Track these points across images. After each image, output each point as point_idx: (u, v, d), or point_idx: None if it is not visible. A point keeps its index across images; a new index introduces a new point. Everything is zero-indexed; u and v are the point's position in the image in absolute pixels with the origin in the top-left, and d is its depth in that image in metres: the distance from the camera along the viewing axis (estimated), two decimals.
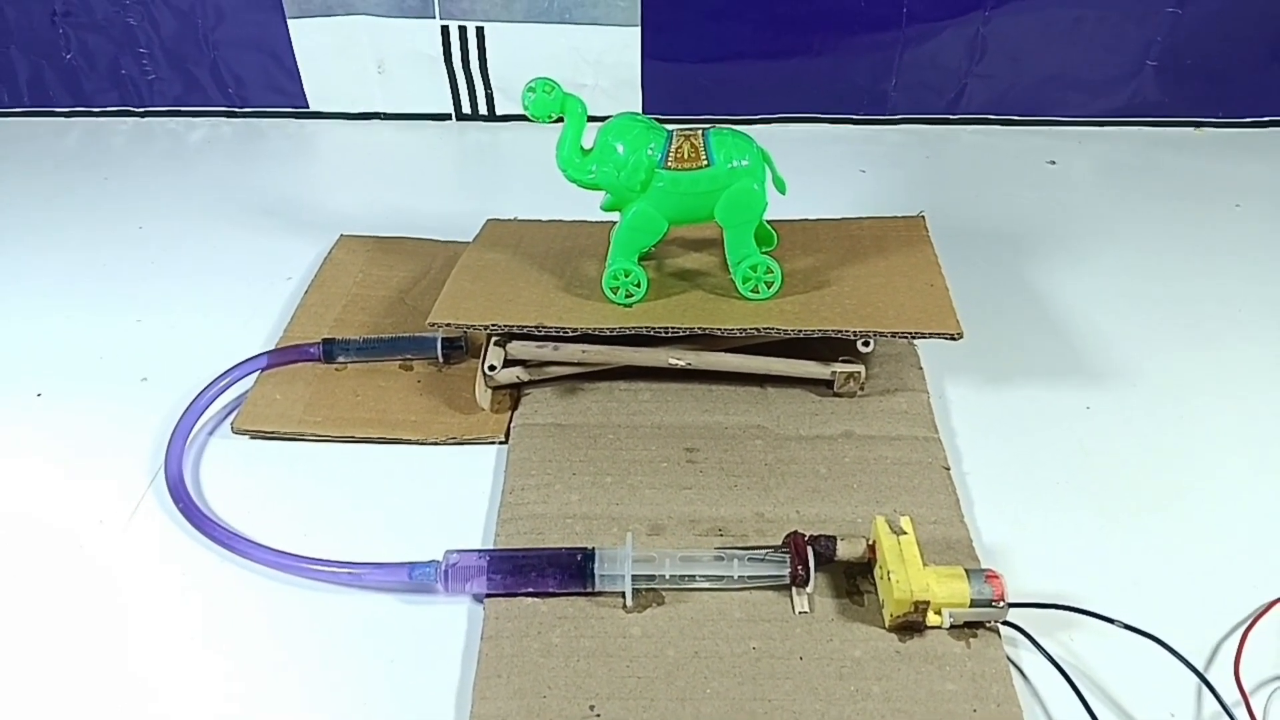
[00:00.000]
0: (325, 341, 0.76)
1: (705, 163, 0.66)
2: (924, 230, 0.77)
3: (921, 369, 0.74)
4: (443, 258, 0.88)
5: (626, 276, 0.70)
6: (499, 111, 1.14)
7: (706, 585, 0.58)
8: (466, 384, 0.73)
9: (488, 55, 1.10)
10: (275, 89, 1.14)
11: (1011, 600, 0.54)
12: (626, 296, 0.70)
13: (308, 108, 1.15)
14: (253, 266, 0.90)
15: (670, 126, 0.68)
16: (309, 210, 0.99)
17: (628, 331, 0.68)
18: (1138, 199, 0.98)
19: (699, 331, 0.68)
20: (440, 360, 0.76)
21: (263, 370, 0.75)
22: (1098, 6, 1.02)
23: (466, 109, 1.15)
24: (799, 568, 0.56)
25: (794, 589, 0.57)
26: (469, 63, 1.10)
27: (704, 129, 0.67)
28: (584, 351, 0.70)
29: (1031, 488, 0.66)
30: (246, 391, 0.74)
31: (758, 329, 0.67)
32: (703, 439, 0.69)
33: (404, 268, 0.87)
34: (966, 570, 0.55)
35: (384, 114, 1.16)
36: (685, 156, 0.66)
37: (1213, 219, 0.95)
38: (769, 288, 0.70)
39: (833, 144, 1.09)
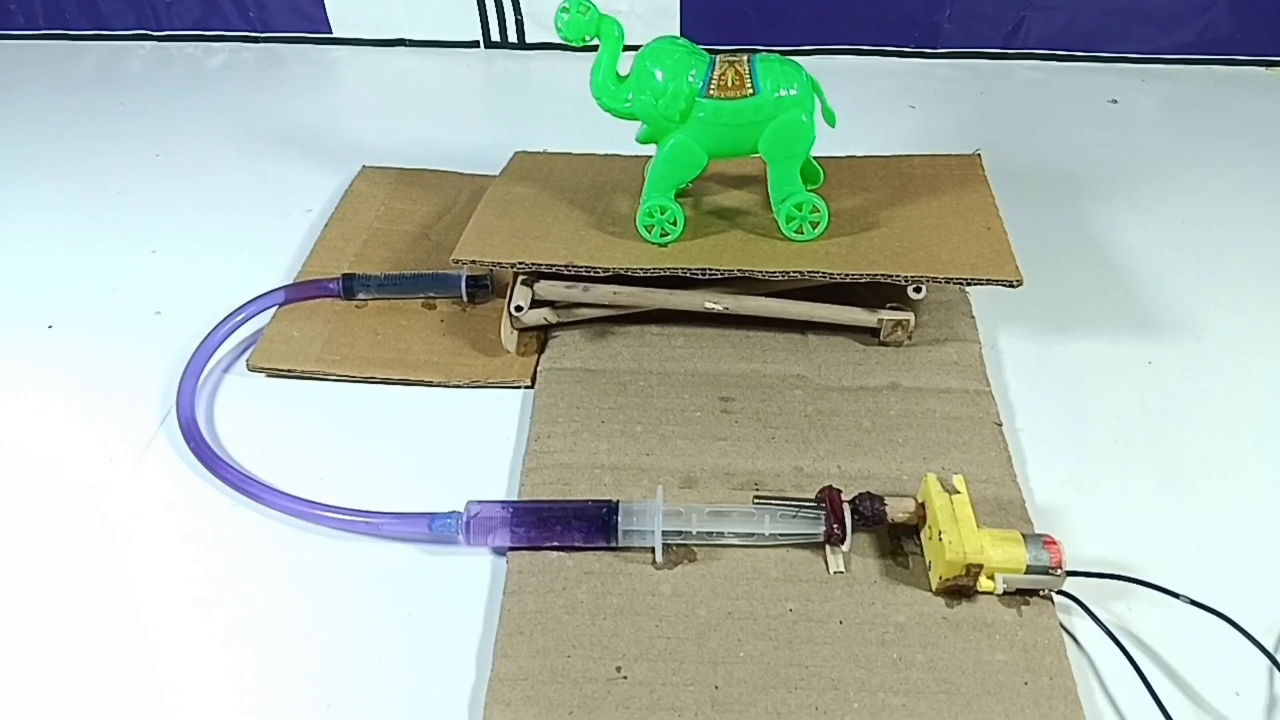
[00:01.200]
0: (345, 277, 0.72)
1: (750, 91, 0.62)
2: (980, 170, 0.73)
3: (974, 318, 0.70)
4: (469, 191, 0.84)
5: (662, 214, 0.66)
6: (529, 39, 1.10)
7: (737, 542, 0.55)
8: (492, 325, 0.70)
9: None
10: (298, 14, 1.09)
11: (1069, 568, 0.51)
12: (662, 235, 0.66)
13: (331, 33, 1.11)
14: (271, 198, 0.87)
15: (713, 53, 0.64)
16: (330, 140, 0.95)
17: (662, 273, 0.64)
18: (1204, 141, 0.93)
19: (738, 274, 0.64)
20: (465, 299, 0.72)
21: (280, 306, 0.72)
22: None
23: (496, 36, 1.10)
24: (835, 525, 0.53)
25: (828, 548, 0.54)
26: None
27: (749, 55, 0.63)
28: (615, 293, 0.66)
29: (1088, 447, 0.62)
30: (263, 328, 0.71)
31: (801, 272, 0.63)
32: (739, 388, 0.65)
33: (428, 201, 0.84)
34: (1023, 534, 0.51)
35: (410, 40, 1.11)
36: (729, 84, 0.62)
37: None
38: (814, 228, 0.66)
39: (881, 78, 1.04)
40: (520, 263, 0.65)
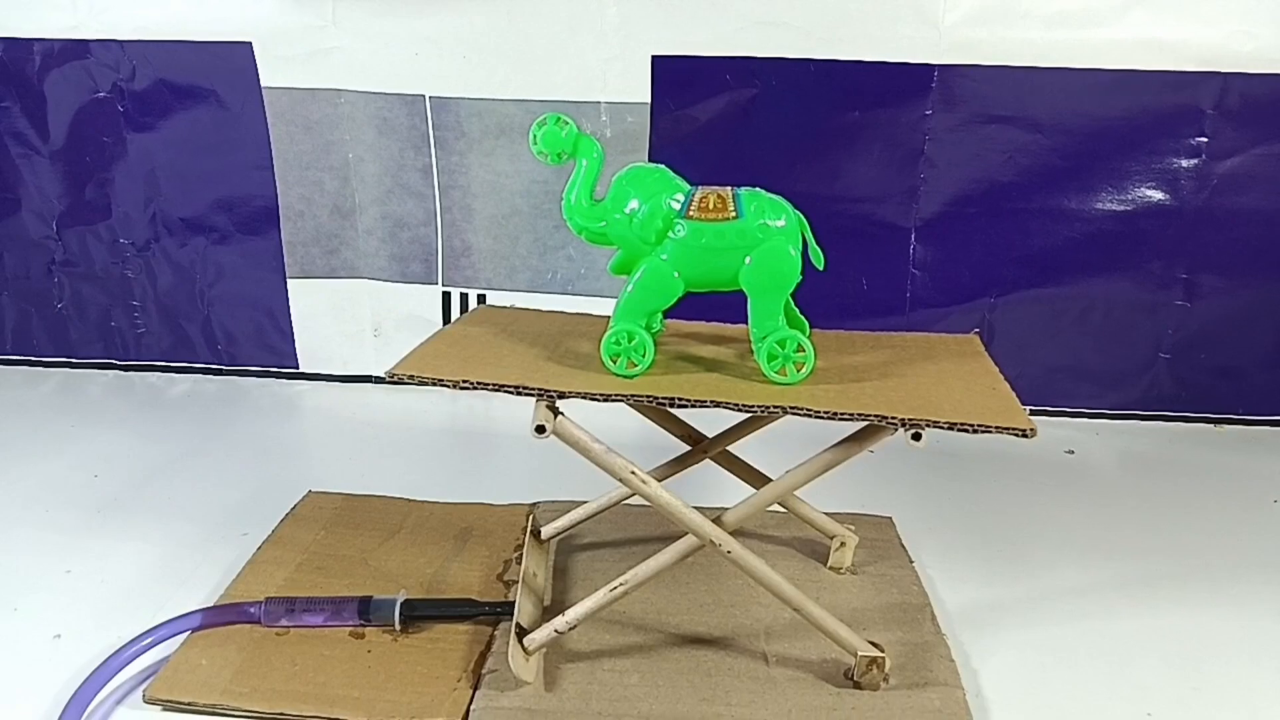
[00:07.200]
0: (269, 600, 0.66)
1: (733, 214, 0.58)
2: (980, 348, 0.69)
3: (954, 662, 0.65)
4: (415, 517, 0.80)
5: (630, 341, 0.60)
6: None
7: None
8: (423, 655, 0.64)
9: None
10: (266, 347, 1.11)
11: None
12: (628, 366, 0.60)
13: (298, 368, 1.12)
14: (207, 520, 0.82)
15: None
16: (281, 468, 0.93)
17: (624, 399, 0.57)
18: (1167, 497, 0.90)
19: (710, 405, 0.57)
20: (397, 627, 0.66)
21: (194, 630, 0.65)
22: (1105, 297, 1.00)
23: None
24: None
25: None
26: None
27: (733, 186, 0.60)
28: (633, 471, 0.59)
29: None
30: (171, 654, 0.64)
31: (783, 408, 0.56)
32: None
33: (372, 526, 0.80)
34: None
35: (376, 377, 1.12)
36: (710, 207, 0.59)
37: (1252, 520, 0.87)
38: (799, 370, 0.60)
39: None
40: (465, 380, 0.58)
